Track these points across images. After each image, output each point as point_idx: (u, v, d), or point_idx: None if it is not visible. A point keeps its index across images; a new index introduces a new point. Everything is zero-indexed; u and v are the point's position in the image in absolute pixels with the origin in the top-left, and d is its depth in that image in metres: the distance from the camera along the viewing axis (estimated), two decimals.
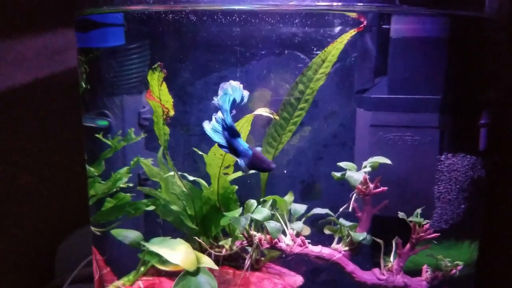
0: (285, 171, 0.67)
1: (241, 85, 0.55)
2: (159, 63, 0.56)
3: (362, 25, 0.60)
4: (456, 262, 0.62)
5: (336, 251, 0.61)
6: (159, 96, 0.58)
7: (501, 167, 0.82)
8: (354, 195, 0.60)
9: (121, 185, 0.65)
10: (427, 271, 0.61)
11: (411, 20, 0.62)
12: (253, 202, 0.61)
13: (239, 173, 0.64)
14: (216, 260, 0.62)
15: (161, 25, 0.63)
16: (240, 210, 0.61)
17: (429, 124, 0.63)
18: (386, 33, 0.62)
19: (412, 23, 0.62)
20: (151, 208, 0.66)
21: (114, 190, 0.66)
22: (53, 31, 0.91)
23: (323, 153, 0.68)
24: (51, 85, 0.92)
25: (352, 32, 0.59)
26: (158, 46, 0.64)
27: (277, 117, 0.60)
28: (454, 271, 0.62)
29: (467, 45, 0.63)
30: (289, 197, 0.65)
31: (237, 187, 0.64)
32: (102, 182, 0.66)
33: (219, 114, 0.55)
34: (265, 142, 0.65)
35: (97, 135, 0.66)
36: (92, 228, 0.68)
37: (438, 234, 0.58)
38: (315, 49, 0.61)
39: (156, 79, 0.57)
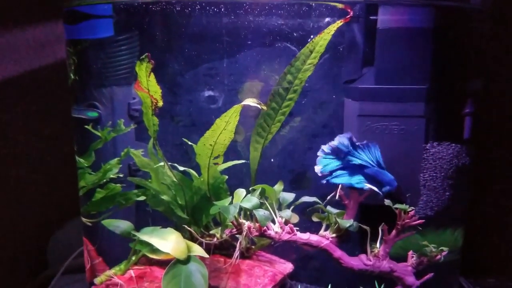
0: (272, 160, 0.68)
1: None
2: (147, 53, 0.56)
3: (348, 16, 0.60)
4: (441, 248, 0.63)
5: (323, 238, 0.62)
6: (148, 87, 0.58)
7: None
8: None
9: (112, 176, 0.66)
10: (412, 257, 0.63)
11: (397, 10, 0.63)
12: (242, 191, 0.62)
13: (229, 163, 0.65)
14: (207, 249, 0.63)
15: (150, 16, 0.63)
16: (229, 199, 0.61)
17: (415, 114, 0.64)
18: (373, 24, 0.63)
19: (399, 14, 0.63)
20: (142, 198, 0.67)
21: (104, 180, 0.66)
22: (43, 23, 0.90)
23: (312, 143, 0.69)
24: (41, 76, 0.91)
25: (339, 23, 0.60)
26: (147, 37, 0.64)
27: (265, 107, 0.61)
28: (439, 256, 0.63)
29: (452, 36, 0.64)
30: (278, 186, 0.66)
31: (227, 177, 0.65)
32: (92, 173, 0.66)
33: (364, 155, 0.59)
34: (255, 133, 0.66)
35: (86, 126, 0.66)
36: (83, 219, 0.69)
37: (423, 220, 0.60)
38: (303, 40, 0.62)
39: (144, 70, 0.57)
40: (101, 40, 0.64)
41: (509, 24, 0.82)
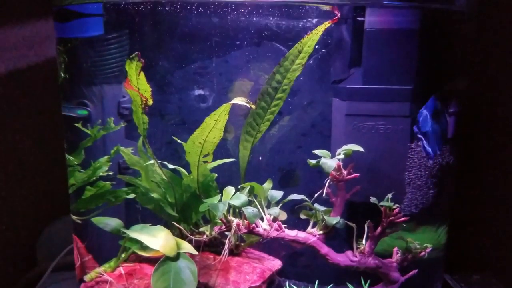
0: (260, 158, 0.69)
1: None
2: (136, 52, 0.57)
3: (336, 17, 0.61)
4: (425, 245, 0.65)
5: (311, 235, 0.63)
6: (137, 85, 0.59)
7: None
8: (328, 181, 0.62)
9: (101, 174, 0.66)
10: (397, 253, 0.64)
11: (384, 12, 0.64)
12: (231, 188, 0.63)
13: (219, 162, 0.66)
14: (197, 246, 0.63)
15: (140, 15, 0.64)
16: (219, 196, 0.62)
17: (400, 113, 0.66)
18: (360, 25, 0.64)
19: (385, 16, 0.64)
20: (132, 196, 0.67)
21: (94, 178, 0.66)
22: (33, 21, 0.90)
23: (301, 141, 0.70)
24: (31, 75, 0.91)
25: (327, 24, 0.61)
26: (137, 36, 0.65)
27: (253, 106, 0.62)
28: (423, 253, 0.64)
29: (437, 37, 0.66)
30: (267, 184, 0.67)
31: (216, 175, 0.66)
32: (82, 171, 0.67)
33: None
34: (244, 131, 0.67)
35: (76, 124, 0.66)
36: (73, 217, 0.69)
37: (408, 217, 0.61)
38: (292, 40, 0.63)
39: (134, 68, 0.57)
40: (91, 38, 0.65)
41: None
